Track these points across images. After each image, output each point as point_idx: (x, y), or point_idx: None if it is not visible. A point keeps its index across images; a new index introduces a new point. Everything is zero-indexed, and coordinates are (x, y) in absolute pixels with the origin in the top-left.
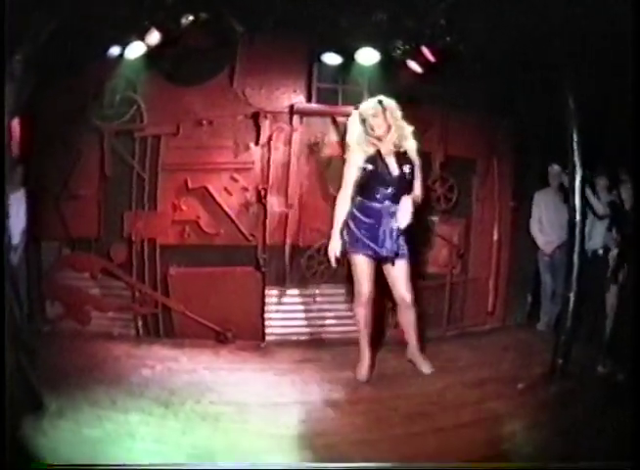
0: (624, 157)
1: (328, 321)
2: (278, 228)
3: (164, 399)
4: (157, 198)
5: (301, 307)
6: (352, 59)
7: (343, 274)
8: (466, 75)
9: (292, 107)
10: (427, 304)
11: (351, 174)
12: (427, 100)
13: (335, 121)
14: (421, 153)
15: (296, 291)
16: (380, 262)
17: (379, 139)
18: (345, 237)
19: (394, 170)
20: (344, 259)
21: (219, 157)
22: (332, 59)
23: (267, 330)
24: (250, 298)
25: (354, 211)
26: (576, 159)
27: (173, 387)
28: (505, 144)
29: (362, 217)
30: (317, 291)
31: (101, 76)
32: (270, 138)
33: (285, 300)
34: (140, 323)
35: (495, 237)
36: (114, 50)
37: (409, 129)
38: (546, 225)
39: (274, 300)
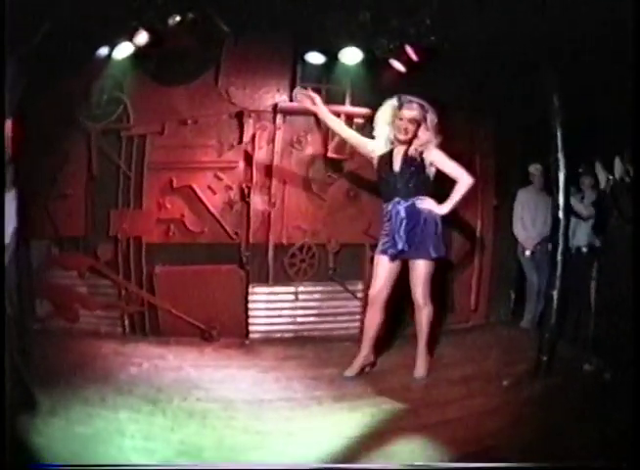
0: (614, 153)
1: (311, 318)
2: (261, 226)
3: (152, 396)
4: (142, 197)
5: (285, 305)
6: (336, 58)
7: (326, 272)
8: (449, 74)
9: (275, 106)
10: None
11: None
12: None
13: (318, 120)
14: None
15: (279, 288)
16: (405, 263)
17: (399, 141)
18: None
19: (396, 166)
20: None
21: (204, 156)
22: (315, 58)
23: (251, 328)
24: (233, 295)
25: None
26: (560, 157)
27: (160, 384)
28: (487, 142)
29: (382, 218)
30: (300, 288)
31: (89, 77)
32: (254, 137)
33: (268, 297)
34: (127, 321)
35: (478, 235)
36: (103, 50)
37: (436, 141)
38: (527, 222)
39: (258, 297)
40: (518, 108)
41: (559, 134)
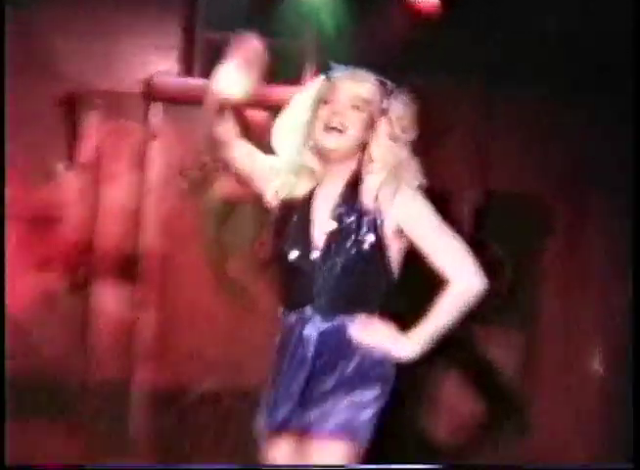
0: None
1: None
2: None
3: None
4: None
5: None
6: None
7: None
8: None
9: (148, 84)
10: None
11: None
12: None
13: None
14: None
15: None
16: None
17: (326, 154)
18: None
19: (320, 226)
20: None
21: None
22: None
23: None
24: None
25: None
26: None
27: None
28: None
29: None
30: None
31: None
32: (99, 152)
33: None
34: None
35: None
36: None
37: (413, 166)
38: None
39: None
40: None
41: None
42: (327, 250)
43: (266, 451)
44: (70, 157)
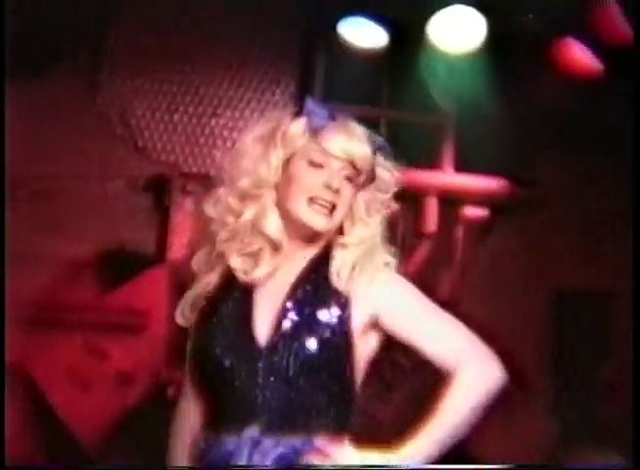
0: None
1: None
2: None
3: None
4: None
5: None
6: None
7: None
8: None
9: None
10: None
11: None
12: None
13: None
14: None
15: None
16: None
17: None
18: None
19: (264, 321)
20: None
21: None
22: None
23: None
24: None
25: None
26: None
27: None
28: None
29: None
30: None
31: None
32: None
33: None
34: None
35: None
36: None
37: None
38: None
39: None
40: None
41: None
42: (275, 351)
43: None
44: (160, 251)
